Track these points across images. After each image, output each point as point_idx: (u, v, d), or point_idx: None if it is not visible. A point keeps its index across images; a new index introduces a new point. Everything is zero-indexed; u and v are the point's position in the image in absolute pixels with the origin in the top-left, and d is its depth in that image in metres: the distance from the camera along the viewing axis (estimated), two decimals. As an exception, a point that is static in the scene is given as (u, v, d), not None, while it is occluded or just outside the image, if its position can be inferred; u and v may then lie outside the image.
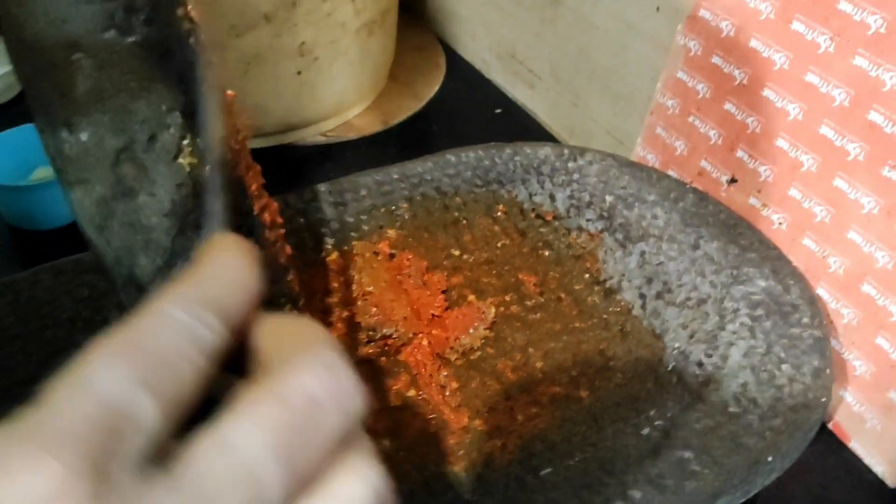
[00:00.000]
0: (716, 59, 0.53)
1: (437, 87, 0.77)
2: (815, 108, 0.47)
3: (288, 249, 0.34)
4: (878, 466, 0.48)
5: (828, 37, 0.45)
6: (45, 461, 0.14)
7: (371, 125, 0.71)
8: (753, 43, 0.50)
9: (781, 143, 0.50)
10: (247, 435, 0.15)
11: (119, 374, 0.15)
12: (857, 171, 0.46)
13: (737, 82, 0.52)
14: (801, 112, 0.48)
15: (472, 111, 0.75)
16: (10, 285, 0.45)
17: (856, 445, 0.49)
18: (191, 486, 0.15)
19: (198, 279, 0.17)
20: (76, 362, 0.16)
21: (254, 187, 0.31)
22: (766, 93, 0.50)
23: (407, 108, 0.74)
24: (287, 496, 0.16)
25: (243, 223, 0.30)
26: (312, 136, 0.69)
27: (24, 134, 0.59)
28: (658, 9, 0.57)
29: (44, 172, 0.60)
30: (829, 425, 0.50)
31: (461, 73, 0.80)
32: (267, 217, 0.31)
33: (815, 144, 0.48)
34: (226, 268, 0.18)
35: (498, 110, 0.75)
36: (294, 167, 0.67)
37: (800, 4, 0.46)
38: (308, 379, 0.16)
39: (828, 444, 0.50)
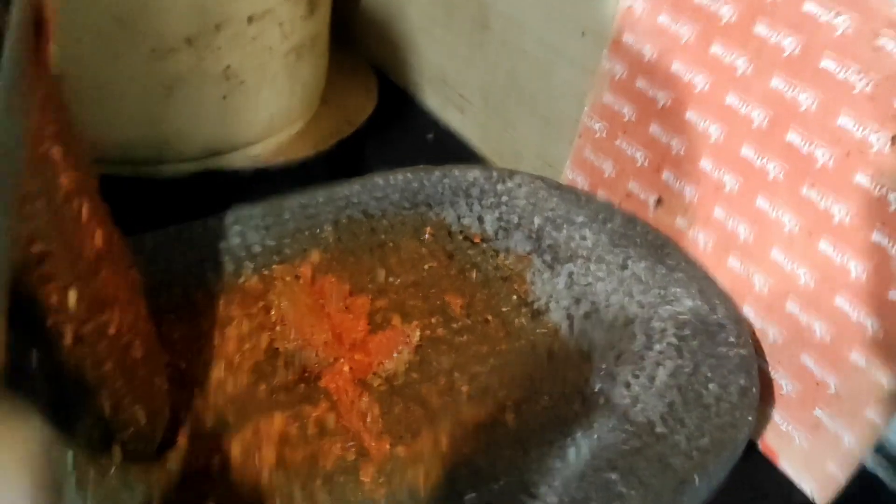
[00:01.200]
0: (640, 83, 0.53)
1: (369, 112, 0.76)
2: (736, 129, 0.48)
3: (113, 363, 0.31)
4: (807, 484, 0.48)
5: (745, 59, 0.46)
6: None
7: (301, 150, 0.70)
8: (675, 66, 0.50)
9: (705, 164, 0.50)
10: None
11: None
12: (777, 191, 0.46)
13: (660, 105, 0.52)
14: (722, 134, 0.49)
15: (404, 136, 0.75)
16: None
17: (785, 464, 0.49)
18: None
19: None
20: None
21: (53, 301, 0.28)
22: (689, 115, 0.50)
23: (338, 132, 0.73)
24: None
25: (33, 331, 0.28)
26: (240, 160, 0.68)
27: None
28: (583, 34, 0.58)
29: None
30: (759, 445, 0.50)
31: (393, 98, 0.80)
32: (69, 334, 0.29)
33: (736, 165, 0.48)
34: None
35: (430, 135, 0.75)
36: (221, 193, 0.65)
37: (719, 29, 0.47)
38: None
39: (757, 464, 0.50)
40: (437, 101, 0.77)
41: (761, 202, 0.47)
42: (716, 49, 0.48)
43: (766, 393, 0.49)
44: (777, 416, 0.49)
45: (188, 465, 0.37)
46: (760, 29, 0.45)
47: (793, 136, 0.45)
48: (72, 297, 0.27)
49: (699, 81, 0.49)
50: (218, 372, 0.41)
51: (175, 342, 0.42)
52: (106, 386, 0.30)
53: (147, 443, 0.34)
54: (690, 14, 0.48)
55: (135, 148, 0.62)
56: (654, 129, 0.53)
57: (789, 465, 0.48)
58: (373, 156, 0.71)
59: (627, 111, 0.54)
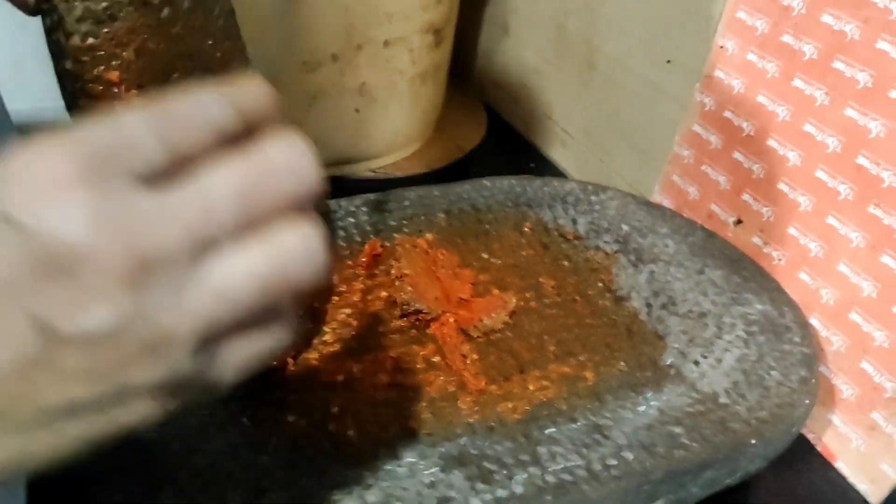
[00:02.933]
0: (727, 114, 0.59)
1: (477, 141, 0.85)
2: (812, 154, 0.53)
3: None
4: (862, 485, 0.51)
5: (823, 92, 0.52)
6: (56, 156, 0.19)
7: (415, 167, 0.79)
8: (760, 98, 0.57)
9: (782, 186, 0.56)
10: (219, 177, 0.20)
11: (136, 118, 0.20)
12: (846, 210, 0.51)
13: (745, 133, 0.58)
14: (799, 158, 0.54)
15: (507, 164, 0.82)
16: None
17: (841, 465, 0.52)
18: (169, 202, 0.20)
19: (227, 88, 0.22)
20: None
21: None
22: (770, 142, 0.56)
23: (449, 156, 0.81)
24: (236, 228, 0.20)
25: None
26: (362, 171, 0.77)
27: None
28: (679, 71, 0.65)
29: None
30: (818, 447, 0.54)
31: (500, 132, 0.88)
32: None
33: (811, 187, 0.54)
34: (249, 87, 0.22)
35: (532, 164, 0.82)
36: (346, 194, 0.74)
37: (800, 64, 0.53)
38: (273, 150, 0.21)
39: (815, 465, 0.53)
40: (542, 135, 0.85)
41: (831, 220, 0.52)
42: (797, 82, 0.54)
43: (826, 397, 0.53)
44: (836, 419, 0.53)
45: (317, 378, 0.44)
46: (838, 64, 0.51)
47: (862, 160, 0.50)
48: None
49: (781, 111, 0.55)
50: (345, 314, 0.48)
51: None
52: None
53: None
54: (776, 51, 0.55)
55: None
56: (738, 155, 0.59)
57: (846, 466, 0.52)
58: (479, 177, 0.79)
59: (714, 139, 0.61)
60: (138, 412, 0.21)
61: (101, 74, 0.32)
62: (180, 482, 0.38)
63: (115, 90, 0.33)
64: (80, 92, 0.33)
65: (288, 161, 0.21)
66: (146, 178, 0.20)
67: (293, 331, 0.23)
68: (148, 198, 0.19)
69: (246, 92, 0.22)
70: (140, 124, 0.20)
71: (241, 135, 0.21)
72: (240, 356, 0.22)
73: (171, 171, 0.20)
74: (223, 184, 0.20)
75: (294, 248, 0.21)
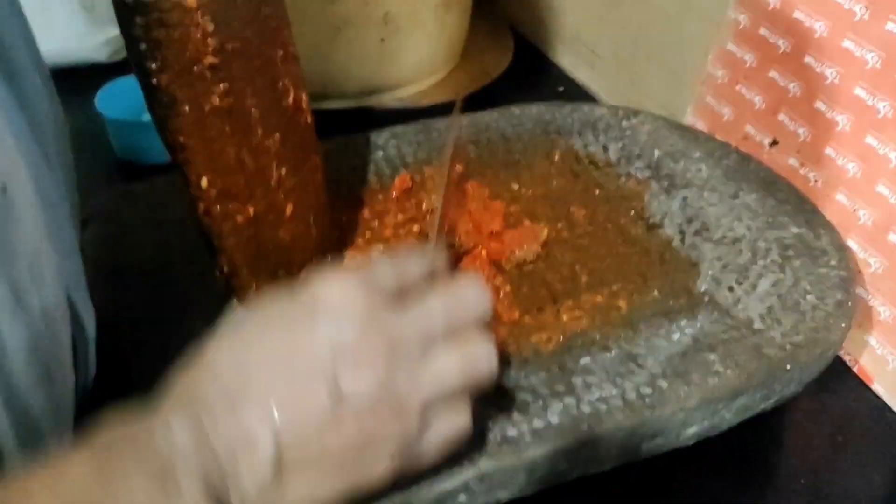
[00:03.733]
0: (763, 31, 0.58)
1: (505, 66, 0.83)
2: (851, 71, 0.52)
3: None
4: (898, 405, 0.51)
5: (862, 5, 0.50)
6: (354, 287, 0.30)
7: (442, 95, 0.78)
8: (797, 14, 0.55)
9: (819, 105, 0.54)
10: (434, 303, 0.32)
11: (385, 269, 0.32)
12: (886, 128, 0.50)
13: (781, 51, 0.56)
14: (837, 76, 0.53)
15: (536, 88, 0.81)
16: (129, 191, 0.53)
17: (878, 387, 0.52)
18: (407, 316, 0.31)
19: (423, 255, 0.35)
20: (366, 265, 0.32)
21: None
22: (807, 60, 0.55)
23: (476, 82, 0.80)
24: (445, 336, 0.31)
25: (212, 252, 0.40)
26: (389, 101, 0.76)
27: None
28: (713, -13, 0.62)
29: (154, 115, 0.68)
30: (854, 369, 0.54)
31: (528, 56, 0.86)
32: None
33: (849, 105, 0.52)
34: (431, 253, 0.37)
35: (560, 88, 0.81)
36: (373, 126, 0.73)
37: (840, -24, 0.51)
38: (463, 288, 0.33)
39: (851, 387, 0.53)
40: (570, 58, 0.83)
41: (870, 139, 0.51)
42: (836, -4, 0.52)
43: (864, 319, 0.53)
44: (873, 340, 0.52)
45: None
46: (880, -24, 0.49)
47: (905, 76, 0.48)
48: (204, 181, 0.37)
49: (819, 27, 0.53)
50: (377, 250, 0.49)
51: (343, 224, 0.50)
52: (224, 253, 0.40)
53: None
54: (814, -36, 0.53)
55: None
56: (774, 74, 0.57)
57: (882, 387, 0.52)
58: (507, 103, 0.78)
59: (749, 58, 0.59)
60: (379, 469, 0.30)
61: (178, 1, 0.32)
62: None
63: (192, 17, 0.33)
64: (156, 23, 0.33)
65: (472, 294, 0.33)
66: (392, 299, 0.31)
67: (471, 419, 0.33)
68: (393, 312, 0.30)
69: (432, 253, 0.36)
70: (386, 267, 0.32)
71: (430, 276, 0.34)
72: (441, 429, 0.31)
73: (401, 294, 0.31)
74: (437, 308, 0.31)
75: (479, 353, 0.32)
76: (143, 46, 0.33)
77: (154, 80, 0.33)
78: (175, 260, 0.48)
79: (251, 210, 0.39)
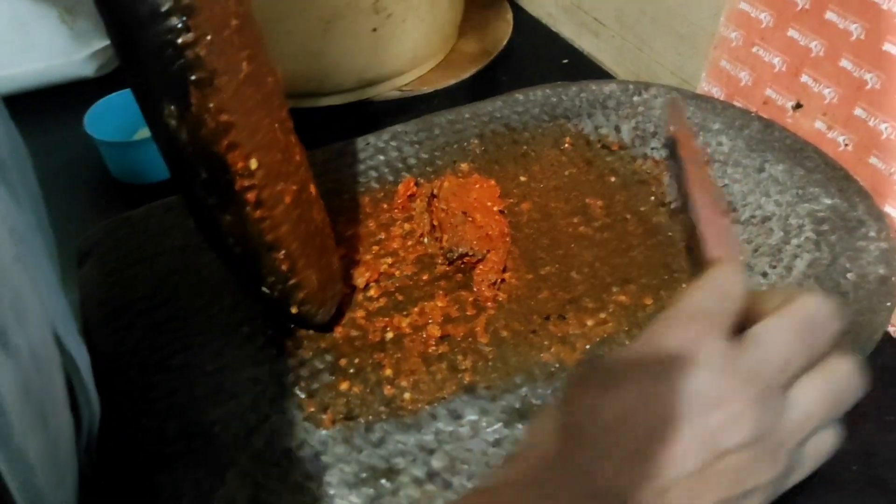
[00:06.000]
0: (778, -13, 0.54)
1: (504, 42, 0.79)
2: (877, 25, 0.48)
3: (289, 226, 0.37)
4: (949, 377, 0.48)
5: (888, -48, 0.46)
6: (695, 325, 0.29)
7: (443, 79, 0.74)
8: (814, -34, 0.51)
9: (845, 63, 0.51)
10: (779, 330, 0.29)
11: (713, 290, 0.31)
12: (920, 85, 0.46)
13: (799, 8, 0.52)
14: (863, 31, 0.49)
15: (539, 63, 0.77)
16: (127, 220, 0.50)
17: (926, 358, 0.49)
18: (759, 352, 0.29)
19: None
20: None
21: (240, 166, 0.33)
22: (829, 15, 0.51)
23: (477, 62, 0.77)
24: (803, 366, 0.29)
25: (225, 193, 0.34)
26: (388, 91, 0.73)
27: (128, 97, 0.65)
28: (719, -57, 0.58)
29: (147, 132, 0.65)
30: (899, 340, 0.51)
31: (528, 28, 0.82)
32: (253, 196, 0.34)
33: (878, 62, 0.48)
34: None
35: (565, 61, 0.77)
36: (373, 121, 0.70)
37: (859, -77, 0.47)
38: (811, 308, 0.30)
39: (894, 356, 0.50)
40: (572, 27, 0.79)
41: (904, 97, 0.47)
42: (857, -55, 0.48)
43: (908, 288, 0.49)
44: (919, 310, 0.49)
45: (366, 338, 0.42)
46: (904, -80, 0.45)
47: (938, 27, 0.45)
48: (253, 163, 0.33)
49: (839, -20, 0.49)
50: (386, 264, 0.46)
51: (347, 239, 0.47)
52: (283, 246, 0.36)
53: (319, 307, 0.40)
54: (830, -88, 0.48)
55: (298, 82, 0.69)
56: (793, 32, 0.53)
57: (932, 359, 0.49)
58: (511, 83, 0.74)
59: (765, 17, 0.55)
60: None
61: None
62: (241, 465, 0.37)
63: None
64: None
65: (818, 310, 0.30)
66: (732, 330, 0.30)
67: (840, 433, 0.32)
68: (741, 345, 0.29)
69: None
70: (716, 294, 0.31)
71: None
72: (814, 452, 0.31)
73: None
74: (780, 331, 0.29)
75: (843, 375, 0.30)
76: (175, 22, 0.30)
77: (190, 54, 0.30)
78: (178, 292, 0.45)
79: (294, 188, 0.37)
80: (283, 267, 0.37)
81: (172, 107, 0.31)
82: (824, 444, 0.31)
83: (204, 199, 0.34)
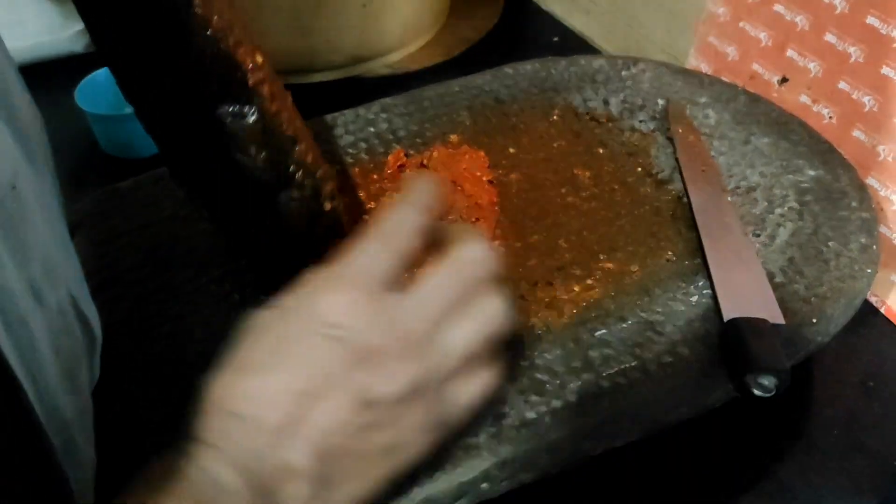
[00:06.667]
0: (764, -38, 0.54)
1: (495, 20, 0.80)
2: (862, -2, 0.48)
3: (299, 122, 0.37)
4: (930, 345, 0.49)
5: (872, -75, 0.47)
6: (345, 289, 0.29)
7: (433, 57, 0.75)
8: (800, -59, 0.51)
9: (830, 37, 0.51)
10: (436, 279, 0.31)
11: (374, 244, 0.31)
12: (903, 57, 0.47)
13: (785, -18, 0.53)
14: (847, 5, 0.49)
15: (530, 40, 0.78)
16: (115, 191, 0.51)
17: (907, 327, 0.50)
18: (410, 302, 0.30)
19: (414, 197, 0.32)
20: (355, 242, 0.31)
21: (249, 62, 0.33)
22: (814, -11, 0.51)
23: (467, 39, 0.77)
24: (455, 305, 0.31)
25: (241, 93, 0.33)
26: (378, 68, 0.73)
27: (118, 71, 0.65)
28: (707, -81, 0.59)
29: (136, 106, 0.66)
30: (882, 310, 0.52)
31: (519, 5, 0.83)
32: (266, 90, 0.34)
33: (861, 35, 0.49)
34: (426, 192, 0.33)
35: (555, 38, 0.77)
36: (363, 98, 0.71)
37: None
38: (463, 252, 0.32)
39: (880, 328, 0.51)
40: (563, 4, 0.80)
41: (887, 70, 0.48)
42: (841, -82, 0.48)
43: (889, 258, 0.50)
44: (901, 280, 0.50)
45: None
46: None
47: (920, -1, 0.45)
48: (259, 57, 0.33)
49: (824, -46, 0.50)
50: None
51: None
52: (302, 138, 0.36)
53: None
54: None
55: (287, 58, 0.69)
56: (779, 7, 0.54)
57: (912, 328, 0.50)
58: (501, 60, 0.74)
59: (752, -8, 0.56)
60: (415, 450, 0.31)
61: None
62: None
63: None
64: None
65: (473, 257, 0.32)
66: (392, 283, 0.30)
67: (497, 371, 0.33)
68: (399, 301, 0.30)
69: (426, 193, 0.33)
70: (378, 248, 0.31)
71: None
72: (466, 392, 0.32)
73: (399, 274, 0.31)
74: (440, 283, 0.31)
75: (491, 313, 0.32)
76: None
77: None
78: (167, 263, 0.46)
79: (280, 82, 0.36)
80: (309, 158, 0.36)
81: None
82: (481, 379, 0.32)
83: (218, 118, 0.33)
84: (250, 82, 0.33)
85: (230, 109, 0.33)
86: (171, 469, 0.28)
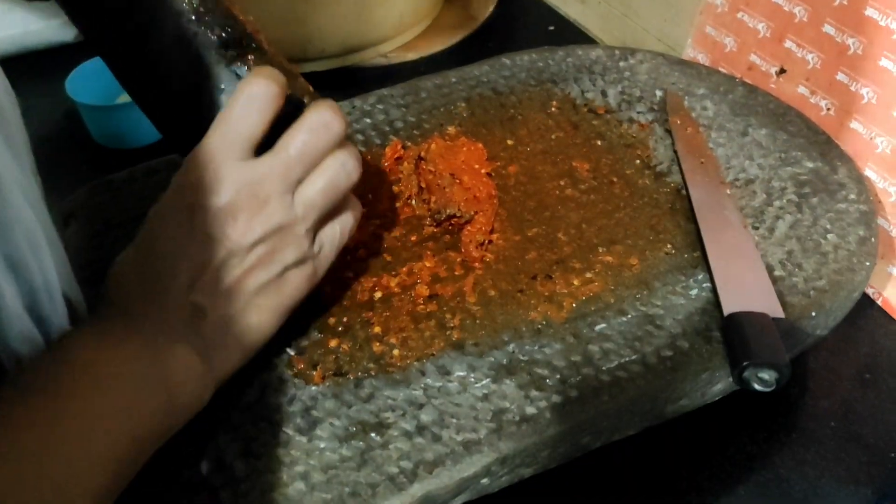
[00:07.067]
0: (763, -48, 0.54)
1: (491, 9, 0.79)
2: (861, -11, 0.48)
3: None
4: (926, 337, 0.49)
5: (872, -84, 0.46)
6: (211, 160, 0.35)
7: (429, 46, 0.74)
8: (800, -69, 0.51)
9: (828, 28, 0.51)
10: (291, 143, 0.36)
11: (238, 114, 0.35)
12: (902, 49, 0.47)
13: (784, -27, 0.53)
14: (847, -4, 0.49)
15: (525, 30, 0.77)
16: (109, 183, 0.50)
17: (904, 319, 0.50)
18: (269, 163, 0.35)
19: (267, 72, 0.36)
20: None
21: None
22: (813, -20, 0.51)
23: (463, 29, 0.77)
24: (307, 168, 0.36)
25: (243, 38, 0.38)
26: (373, 57, 0.73)
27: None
28: None
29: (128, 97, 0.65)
30: (878, 302, 0.52)
31: (514, -5, 0.82)
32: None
33: (860, 26, 0.49)
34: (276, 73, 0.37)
35: (551, 27, 0.77)
36: (357, 87, 0.70)
37: None
38: (311, 118, 0.36)
39: (877, 320, 0.51)
40: (558, -6, 0.79)
41: (885, 62, 0.48)
42: None
43: (887, 250, 0.50)
44: (897, 272, 0.50)
45: (354, 298, 0.43)
46: None
47: (920, -9, 0.45)
48: None
49: (824, -56, 0.50)
50: (375, 224, 0.46)
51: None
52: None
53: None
54: None
55: (281, 47, 0.68)
56: (777, -2, 0.54)
57: (909, 320, 0.50)
58: (497, 49, 0.74)
59: (750, -17, 0.55)
60: (297, 281, 0.37)
61: None
62: (232, 419, 0.37)
63: None
64: None
65: (322, 121, 0.36)
66: (253, 148, 0.36)
67: (356, 212, 0.40)
68: (259, 164, 0.35)
69: (281, 72, 0.37)
70: (239, 117, 0.35)
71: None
72: (332, 234, 0.39)
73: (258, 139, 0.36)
74: (293, 147, 0.36)
75: (338, 168, 0.37)
76: None
77: None
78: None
79: None
80: (309, 88, 0.41)
81: None
82: (343, 227, 0.39)
83: None
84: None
85: None
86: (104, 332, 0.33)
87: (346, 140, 0.38)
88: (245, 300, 0.36)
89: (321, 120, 0.36)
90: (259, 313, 0.36)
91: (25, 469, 0.26)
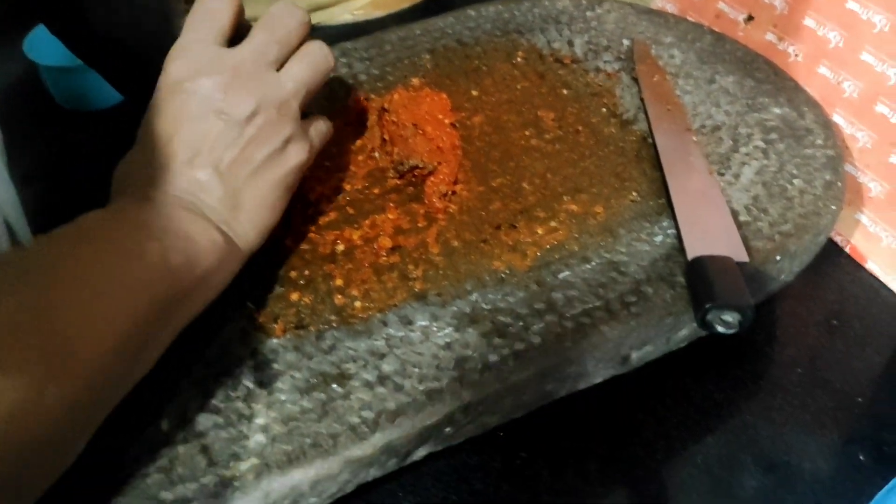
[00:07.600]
0: None
1: (460, -36, 0.78)
2: (828, -70, 0.48)
3: None
4: (894, 283, 0.49)
5: None
6: (187, 51, 0.37)
7: (396, 3, 0.73)
8: None
9: (796, -28, 0.50)
10: (261, 24, 0.38)
11: (208, 11, 0.38)
12: (868, -10, 0.46)
13: (751, -84, 0.52)
14: (813, -63, 0.49)
15: (495, -15, 0.76)
16: (74, 145, 0.49)
17: (872, 266, 0.50)
18: (245, 48, 0.38)
19: None
20: None
21: None
22: (780, -77, 0.50)
23: (431, -16, 0.75)
24: (284, 52, 0.39)
25: None
26: (340, 14, 0.71)
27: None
28: None
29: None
30: (846, 249, 0.52)
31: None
32: None
33: (828, -31, 0.48)
34: None
35: (521, -18, 0.76)
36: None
37: None
38: (279, 6, 0.39)
39: (845, 267, 0.51)
40: (527, -53, 0.78)
41: (853, 4, 0.47)
42: None
43: (854, 197, 0.50)
44: (865, 218, 0.50)
45: (316, 251, 0.42)
46: None
47: (886, -70, 0.44)
48: None
49: None
50: (338, 177, 0.46)
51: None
52: None
53: None
54: None
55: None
56: (745, -58, 0.53)
57: (876, 266, 0.50)
58: (465, 5, 0.73)
59: (717, -73, 0.54)
60: (298, 156, 0.39)
61: None
62: (195, 375, 0.37)
63: None
64: None
65: (285, 9, 0.39)
66: (227, 39, 0.38)
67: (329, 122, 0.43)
68: (237, 49, 0.38)
69: None
70: (214, 6, 0.38)
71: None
72: (318, 127, 0.41)
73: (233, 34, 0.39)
74: (265, 28, 0.38)
75: (316, 50, 0.40)
76: None
77: None
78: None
79: None
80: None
81: None
82: (327, 124, 0.42)
83: None
84: None
85: None
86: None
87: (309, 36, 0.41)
88: (250, 172, 0.37)
89: (284, 8, 0.39)
90: (267, 186, 0.38)
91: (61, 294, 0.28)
